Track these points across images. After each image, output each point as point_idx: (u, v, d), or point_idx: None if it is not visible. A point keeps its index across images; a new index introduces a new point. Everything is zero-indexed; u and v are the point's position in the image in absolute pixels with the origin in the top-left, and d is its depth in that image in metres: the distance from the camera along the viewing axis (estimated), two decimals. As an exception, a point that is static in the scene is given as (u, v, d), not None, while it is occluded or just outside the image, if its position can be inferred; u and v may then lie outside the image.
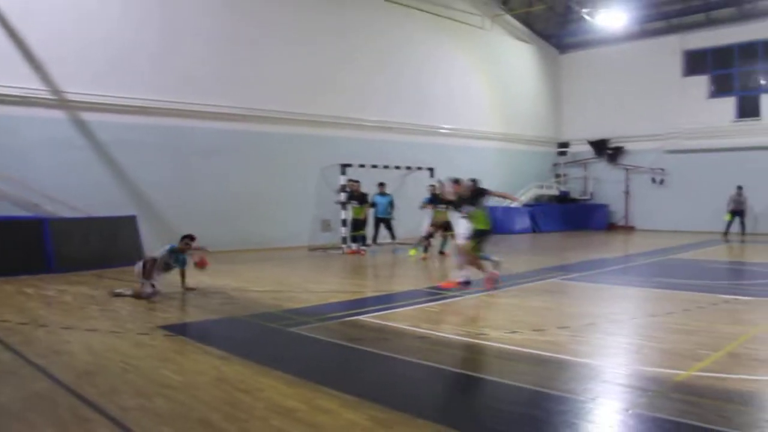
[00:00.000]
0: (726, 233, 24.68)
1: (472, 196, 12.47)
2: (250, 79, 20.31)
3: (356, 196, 18.47)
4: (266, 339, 8.36)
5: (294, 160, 20.99)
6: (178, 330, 8.40)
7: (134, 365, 6.70)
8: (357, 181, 18.75)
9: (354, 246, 18.90)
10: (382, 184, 19.44)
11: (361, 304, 10.34)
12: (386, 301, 10.82)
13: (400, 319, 9.12)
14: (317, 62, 22.11)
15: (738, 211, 24.91)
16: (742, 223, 24.84)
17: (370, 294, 11.49)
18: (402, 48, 25.25)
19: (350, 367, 7.01)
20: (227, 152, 19.72)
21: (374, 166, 20.78)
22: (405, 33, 25.34)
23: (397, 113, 24.73)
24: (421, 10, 25.82)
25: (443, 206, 16.68)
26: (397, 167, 21.64)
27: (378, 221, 19.30)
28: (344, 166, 19.66)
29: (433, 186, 18.10)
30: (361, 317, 9.25)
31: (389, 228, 19.34)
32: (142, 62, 18.13)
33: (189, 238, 11.79)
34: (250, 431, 4.83)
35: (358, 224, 18.85)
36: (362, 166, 20.46)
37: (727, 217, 24.86)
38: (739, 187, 24.81)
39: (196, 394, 5.70)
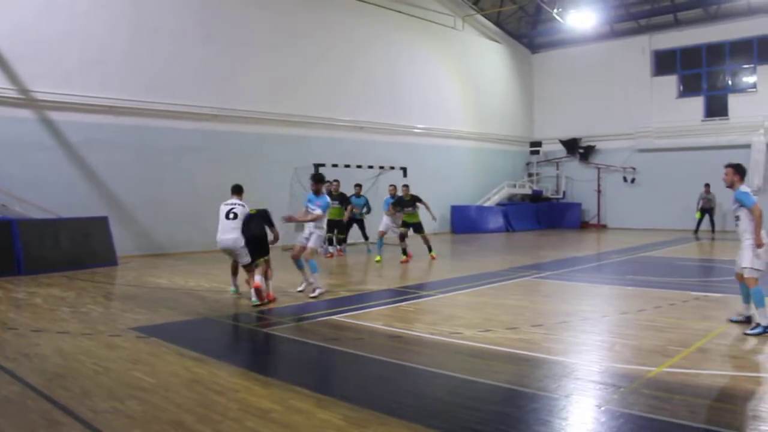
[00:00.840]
0: (696, 231, 25.47)
1: (412, 200, 16.96)
2: (221, 78, 20.15)
3: (336, 196, 18.13)
4: (241, 340, 8.35)
5: (266, 160, 20.86)
6: (151, 331, 8.31)
7: (106, 367, 6.63)
8: (337, 181, 18.54)
9: (333, 249, 18.67)
10: (358, 186, 19.33)
11: (336, 304, 10.31)
12: (361, 300, 10.81)
13: (375, 319, 9.13)
14: (289, 62, 21.99)
15: (707, 209, 25.62)
16: (712, 221, 25.51)
17: (344, 294, 11.45)
18: (375, 47, 25.24)
19: (325, 368, 7.00)
20: (198, 152, 19.54)
21: (347, 166, 20.78)
22: (378, 32, 25.32)
23: (370, 113, 24.72)
24: (394, 10, 25.83)
25: (410, 208, 17.04)
26: (371, 167, 21.65)
27: (351, 221, 19.19)
28: (317, 166, 19.61)
29: (393, 186, 18.19)
30: (335, 317, 9.25)
31: (362, 228, 19.28)
32: (112, 61, 17.90)
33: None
34: (224, 432, 4.82)
35: (339, 225, 18.51)
36: (335, 165, 20.44)
37: (697, 215, 25.57)
38: (707, 185, 25.29)
39: (168, 396, 5.65)
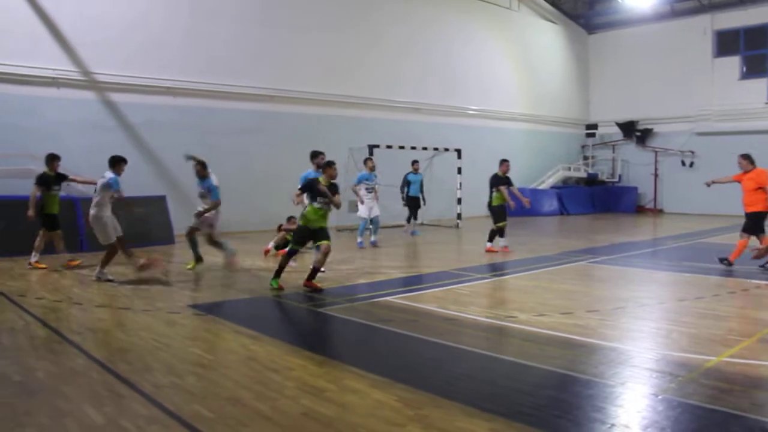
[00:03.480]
0: None
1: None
2: (278, 60, 20.34)
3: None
4: (296, 319, 8.45)
5: (322, 141, 20.90)
6: (208, 309, 8.49)
7: (166, 343, 6.79)
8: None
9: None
10: (416, 162, 19.24)
11: (390, 285, 10.35)
12: (415, 282, 10.84)
13: (429, 301, 9.14)
14: (346, 43, 22.08)
15: None
16: None
17: (398, 275, 11.49)
18: (431, 29, 25.11)
19: (379, 348, 7.04)
20: (255, 133, 19.80)
21: (401, 147, 20.74)
22: (434, 14, 25.18)
23: (426, 94, 24.66)
24: (449, -10, 25.66)
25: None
26: (425, 148, 21.56)
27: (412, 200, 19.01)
28: (372, 147, 19.63)
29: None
30: (389, 298, 9.29)
31: (417, 207, 19.03)
32: (172, 43, 18.21)
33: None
34: (280, 410, 4.89)
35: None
36: (390, 146, 20.43)
37: None
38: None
39: (226, 373, 5.77)
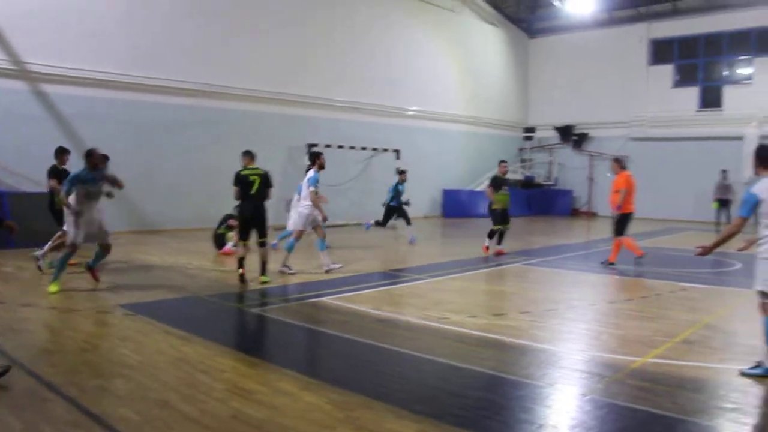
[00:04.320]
0: (717, 223, 22.03)
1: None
2: (218, 55, 20.00)
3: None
4: (229, 320, 8.35)
5: (260, 139, 20.68)
6: (139, 309, 8.32)
7: (93, 344, 6.65)
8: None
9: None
10: (402, 172, 18.06)
11: (326, 286, 10.32)
12: (351, 283, 10.80)
13: (363, 302, 9.15)
14: (287, 41, 21.88)
15: (723, 200, 22.18)
16: (728, 215, 21.59)
17: (334, 276, 11.45)
18: (372, 29, 25.11)
19: (312, 350, 7.04)
20: (192, 129, 19.44)
21: (340, 147, 20.74)
22: (377, 14, 25.20)
23: (367, 94, 24.63)
24: (391, -9, 25.73)
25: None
26: (364, 148, 21.60)
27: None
28: (311, 146, 19.57)
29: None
30: (324, 299, 9.28)
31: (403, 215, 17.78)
32: (109, 35, 17.73)
33: None
34: (208, 412, 4.83)
35: None
36: (329, 146, 20.39)
37: (714, 206, 22.45)
38: (724, 171, 22.75)
39: (155, 375, 5.67)
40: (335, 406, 4.99)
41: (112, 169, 11.68)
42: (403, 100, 26.38)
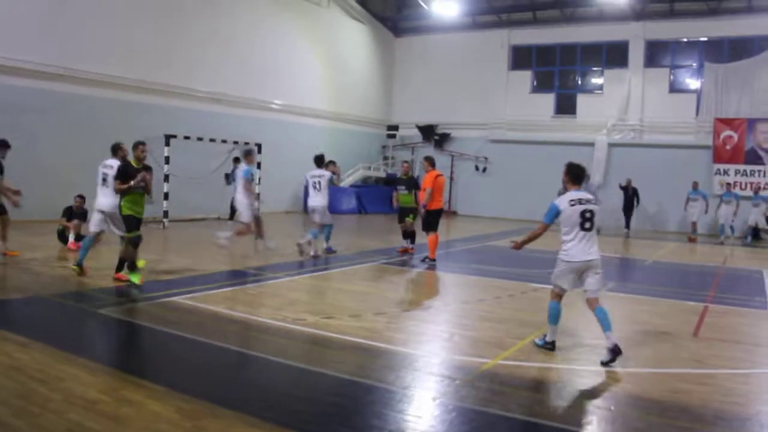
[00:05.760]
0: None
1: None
2: (69, 35, 18.72)
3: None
4: (73, 322, 7.88)
5: (116, 128, 19.75)
6: (-30, 309, 7.74)
7: None
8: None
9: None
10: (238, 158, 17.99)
11: (177, 285, 9.98)
12: (205, 281, 10.48)
13: (218, 302, 8.93)
14: (145, 25, 20.86)
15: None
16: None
17: (188, 273, 11.12)
18: (235, 18, 24.47)
19: (161, 354, 6.78)
20: (39, 114, 18.17)
21: (200, 139, 20.14)
22: (241, 3, 24.66)
23: (228, 85, 24.00)
24: (258, -20, 25.29)
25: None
26: (224, 141, 21.08)
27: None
28: (169, 137, 18.90)
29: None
30: (176, 299, 8.97)
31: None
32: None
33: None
34: (41, 426, 4.53)
35: None
36: (187, 138, 19.76)
37: None
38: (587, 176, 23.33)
39: (-19, 386, 5.26)
40: (183, 415, 4.82)
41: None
42: (267, 92, 25.97)
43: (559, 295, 7.11)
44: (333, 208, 17.06)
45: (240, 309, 8.50)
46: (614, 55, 28.67)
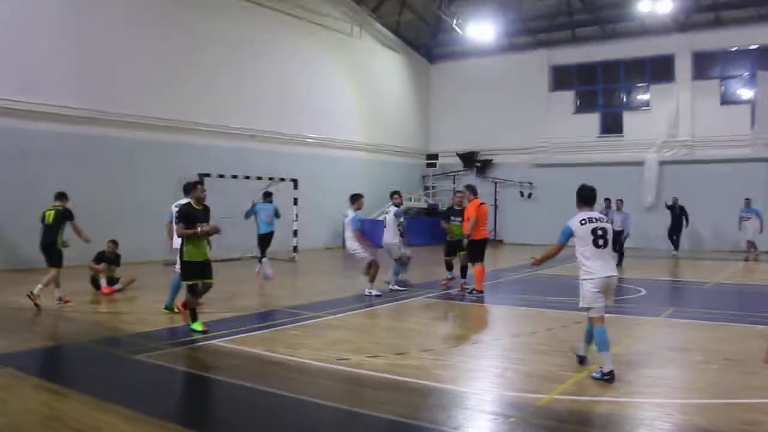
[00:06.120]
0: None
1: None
2: (100, 77, 19.19)
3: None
4: (108, 368, 7.89)
5: (148, 169, 20.13)
6: (6, 360, 7.74)
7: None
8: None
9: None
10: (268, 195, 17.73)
11: (216, 327, 9.92)
12: (244, 322, 10.46)
13: (257, 343, 8.86)
14: (177, 64, 21.32)
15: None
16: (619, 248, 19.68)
17: (226, 315, 11.12)
18: (266, 52, 24.83)
19: (200, 399, 6.73)
20: (71, 158, 18.56)
21: (234, 176, 20.30)
22: (269, 37, 24.94)
23: (261, 121, 24.28)
24: (287, 13, 25.56)
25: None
26: (259, 177, 21.17)
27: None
28: (202, 176, 19.04)
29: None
30: (215, 341, 8.94)
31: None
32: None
33: None
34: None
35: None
36: (222, 176, 19.95)
37: None
38: (607, 200, 20.94)
39: (20, 437, 5.27)
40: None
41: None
42: (300, 126, 26.17)
43: (601, 319, 7.24)
44: (373, 242, 16.99)
45: (280, 351, 8.42)
46: (660, 70, 28.36)
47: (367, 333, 9.94)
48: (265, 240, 16.93)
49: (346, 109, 29.00)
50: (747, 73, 27.00)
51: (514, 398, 6.43)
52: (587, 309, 7.35)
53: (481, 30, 29.17)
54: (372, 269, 13.50)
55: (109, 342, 9.02)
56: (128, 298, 12.86)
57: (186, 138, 21.53)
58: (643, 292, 13.99)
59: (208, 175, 19.30)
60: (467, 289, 13.87)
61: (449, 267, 15.29)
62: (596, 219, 7.48)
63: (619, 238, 18.29)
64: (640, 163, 27.59)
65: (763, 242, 23.12)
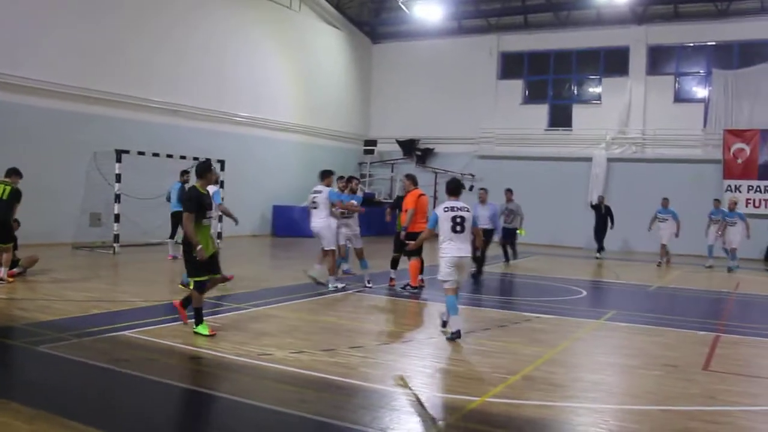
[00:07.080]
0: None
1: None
2: (4, 37, 18.65)
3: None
4: (7, 361, 7.70)
5: (59, 142, 19.55)
6: None
7: None
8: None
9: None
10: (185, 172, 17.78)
11: (130, 317, 9.81)
12: (161, 312, 10.32)
13: (174, 336, 8.77)
14: (92, 28, 20.72)
15: (508, 230, 20.89)
16: (510, 247, 21.23)
17: (142, 304, 10.97)
18: (197, 23, 24.26)
19: (107, 396, 6.60)
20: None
21: (156, 155, 19.91)
22: (198, 3, 24.53)
23: (187, 95, 23.81)
24: (221, -20, 25.25)
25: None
26: (183, 157, 20.80)
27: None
28: (120, 153, 18.66)
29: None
30: (127, 332, 8.80)
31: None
32: None
33: None
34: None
35: None
36: (142, 153, 19.56)
37: (520, 232, 22.19)
38: (508, 191, 22.01)
39: None
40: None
41: None
42: (230, 104, 25.80)
43: (453, 290, 9.37)
44: (304, 230, 16.93)
45: (197, 344, 8.35)
46: (613, 62, 28.98)
47: (294, 327, 9.91)
48: (174, 220, 17.34)
49: (281, 87, 28.70)
50: (702, 71, 27.80)
51: (446, 400, 6.53)
52: (443, 282, 9.40)
53: (428, 10, 29.34)
54: (330, 259, 13.48)
55: (6, 332, 8.80)
56: (29, 284, 12.53)
57: (100, 110, 20.81)
58: (584, 293, 14.30)
59: (126, 151, 18.90)
60: (399, 285, 13.96)
61: (395, 264, 14.75)
62: (458, 208, 9.48)
63: (490, 237, 17.89)
64: (588, 159, 28.13)
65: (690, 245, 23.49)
